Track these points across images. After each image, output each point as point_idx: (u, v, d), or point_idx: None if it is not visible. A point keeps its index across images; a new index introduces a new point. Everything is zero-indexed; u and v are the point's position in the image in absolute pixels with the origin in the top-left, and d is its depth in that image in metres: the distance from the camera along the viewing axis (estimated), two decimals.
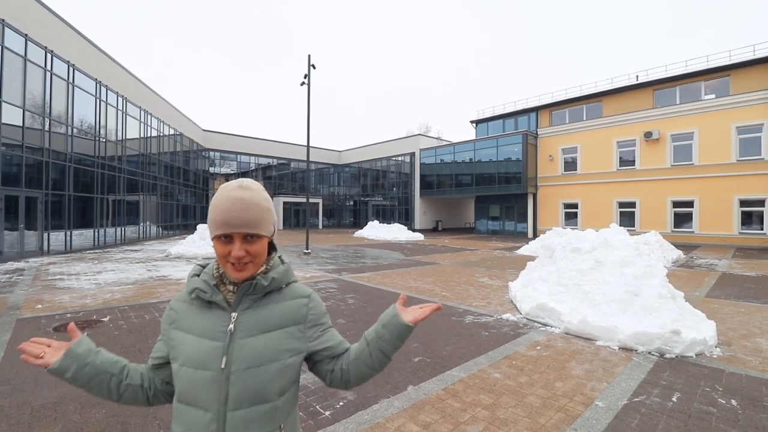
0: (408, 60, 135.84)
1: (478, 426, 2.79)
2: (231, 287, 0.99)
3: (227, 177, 35.33)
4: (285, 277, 1.05)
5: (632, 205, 21.74)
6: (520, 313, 5.85)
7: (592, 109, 24.24)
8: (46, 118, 12.73)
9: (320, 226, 37.36)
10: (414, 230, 28.68)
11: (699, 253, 15.74)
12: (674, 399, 3.24)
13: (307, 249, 14.57)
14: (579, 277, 5.57)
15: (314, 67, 14.57)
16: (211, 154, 32.69)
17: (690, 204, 19.75)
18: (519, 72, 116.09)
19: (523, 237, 24.62)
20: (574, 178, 24.20)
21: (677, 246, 15.52)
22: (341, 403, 3.11)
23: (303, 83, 14.67)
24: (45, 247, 12.78)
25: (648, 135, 20.71)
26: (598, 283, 5.27)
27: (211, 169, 33.29)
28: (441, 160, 30.89)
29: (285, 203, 34.58)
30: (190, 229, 23.73)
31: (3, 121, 11.06)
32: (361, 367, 1.05)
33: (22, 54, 11.79)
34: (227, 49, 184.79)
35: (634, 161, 21.71)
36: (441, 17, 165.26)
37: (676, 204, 20.27)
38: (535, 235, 23.07)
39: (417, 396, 3.25)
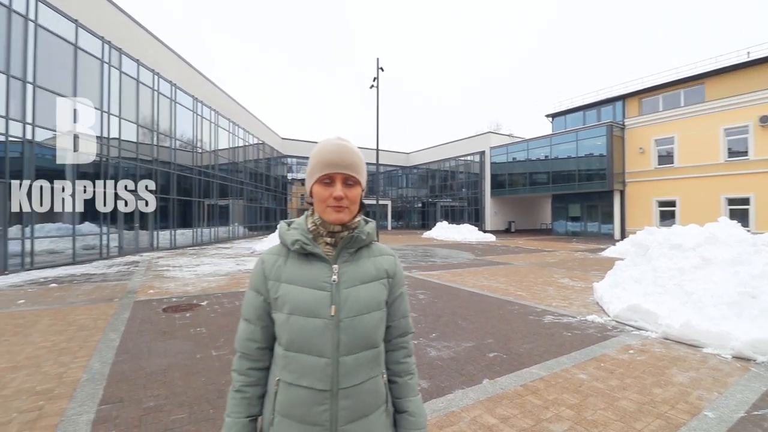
0: (475, 58, 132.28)
1: (562, 425, 2.61)
2: (329, 239, 1.04)
3: (303, 182, 37.44)
4: (374, 234, 1.11)
5: (745, 201, 18.69)
6: (608, 315, 5.35)
7: (692, 93, 21.44)
8: (154, 132, 14.66)
9: (389, 227, 37.84)
10: (485, 231, 27.73)
11: None
12: None
13: None
14: (680, 277, 4.94)
15: (383, 70, 14.89)
16: (289, 160, 34.85)
17: None
18: (598, 63, 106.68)
19: (608, 239, 22.52)
20: (670, 172, 21.53)
21: None
22: None
23: (372, 86, 15.06)
24: (155, 244, 14.69)
25: (764, 120, 17.68)
26: (704, 283, 4.62)
27: (289, 175, 35.45)
28: (513, 158, 29.50)
29: None
30: (272, 229, 26.02)
31: (122, 137, 12.96)
32: (393, 388, 1.10)
33: (135, 77, 13.72)
34: (295, 56, 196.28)
35: (746, 151, 18.68)
36: (510, 10, 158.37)
37: None
38: (623, 237, 20.95)
39: (493, 390, 3.14)
